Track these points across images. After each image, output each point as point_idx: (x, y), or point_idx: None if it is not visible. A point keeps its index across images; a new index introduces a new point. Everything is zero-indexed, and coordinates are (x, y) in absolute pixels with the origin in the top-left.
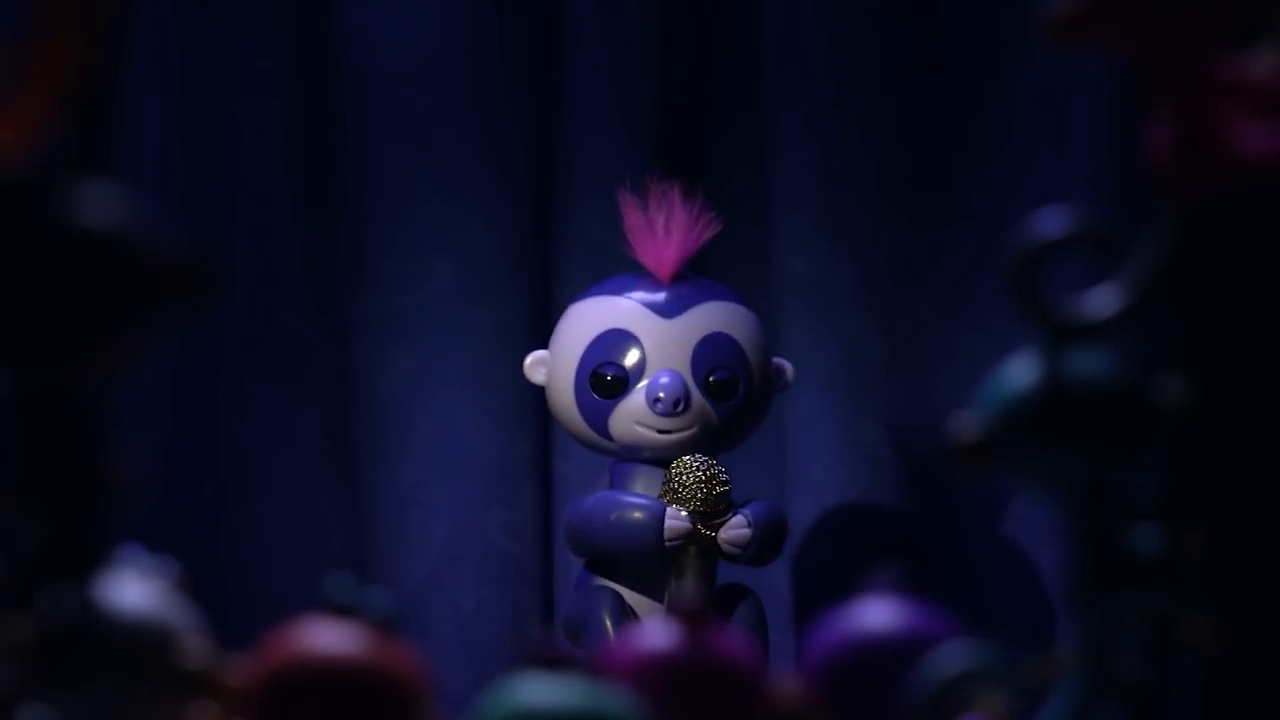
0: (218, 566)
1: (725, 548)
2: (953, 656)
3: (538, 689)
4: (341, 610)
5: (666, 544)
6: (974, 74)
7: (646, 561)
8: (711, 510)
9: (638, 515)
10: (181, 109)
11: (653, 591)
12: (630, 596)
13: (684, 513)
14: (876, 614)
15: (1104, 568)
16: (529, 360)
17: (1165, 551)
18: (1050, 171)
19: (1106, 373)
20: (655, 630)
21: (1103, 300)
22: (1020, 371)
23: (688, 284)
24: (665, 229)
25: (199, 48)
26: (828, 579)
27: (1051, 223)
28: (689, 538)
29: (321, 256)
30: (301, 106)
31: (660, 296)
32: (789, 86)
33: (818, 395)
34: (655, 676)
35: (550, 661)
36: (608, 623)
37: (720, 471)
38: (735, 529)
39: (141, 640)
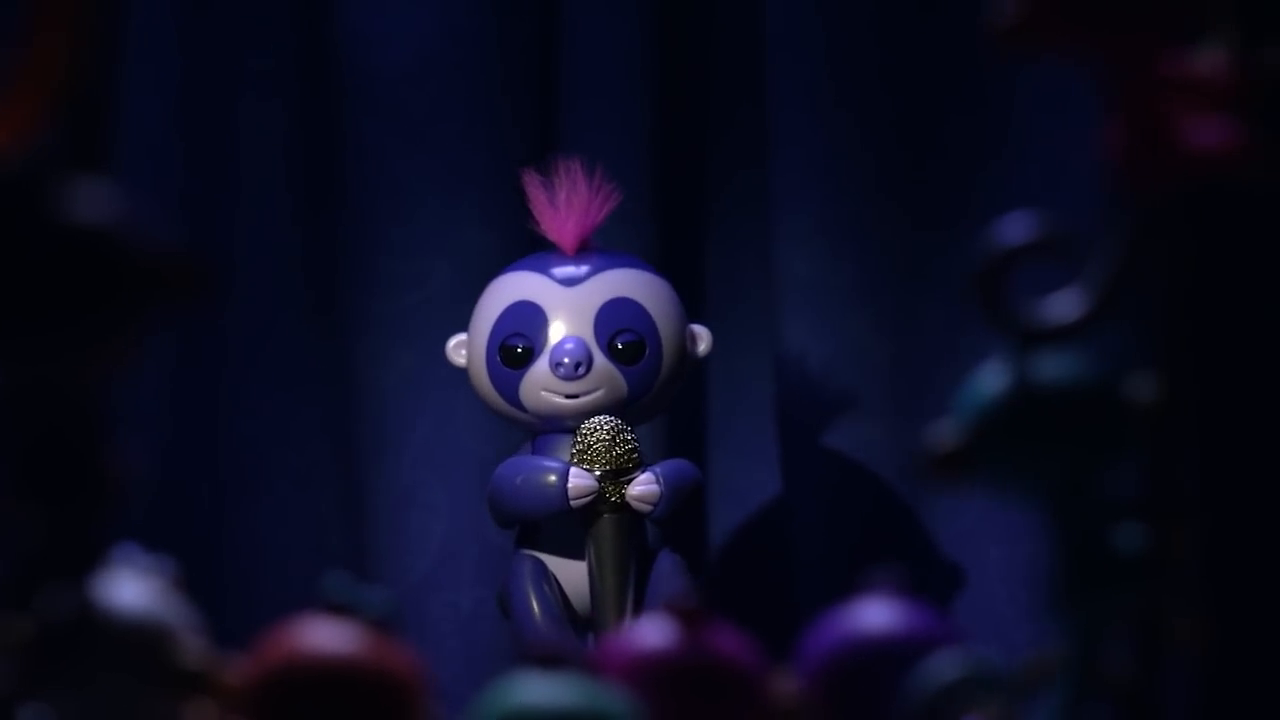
0: (218, 565)
1: (635, 505)
2: (946, 664)
3: (534, 687)
4: (339, 609)
5: (572, 503)
6: (974, 72)
7: (563, 526)
8: (619, 469)
9: (543, 476)
10: (181, 110)
11: (574, 557)
12: (553, 563)
13: (597, 472)
14: (874, 614)
15: (1087, 569)
16: (450, 344)
17: (1148, 550)
18: (1052, 169)
19: (1075, 375)
20: (652, 629)
21: (1068, 303)
22: (990, 379)
23: (594, 254)
24: (566, 203)
25: (198, 48)
26: (827, 579)
27: (1016, 229)
28: (599, 497)
29: (321, 257)
30: (301, 107)
31: (565, 267)
32: (789, 85)
33: (818, 393)
34: (652, 675)
35: (547, 660)
36: (529, 590)
37: (626, 430)
38: (643, 485)
39: (139, 639)
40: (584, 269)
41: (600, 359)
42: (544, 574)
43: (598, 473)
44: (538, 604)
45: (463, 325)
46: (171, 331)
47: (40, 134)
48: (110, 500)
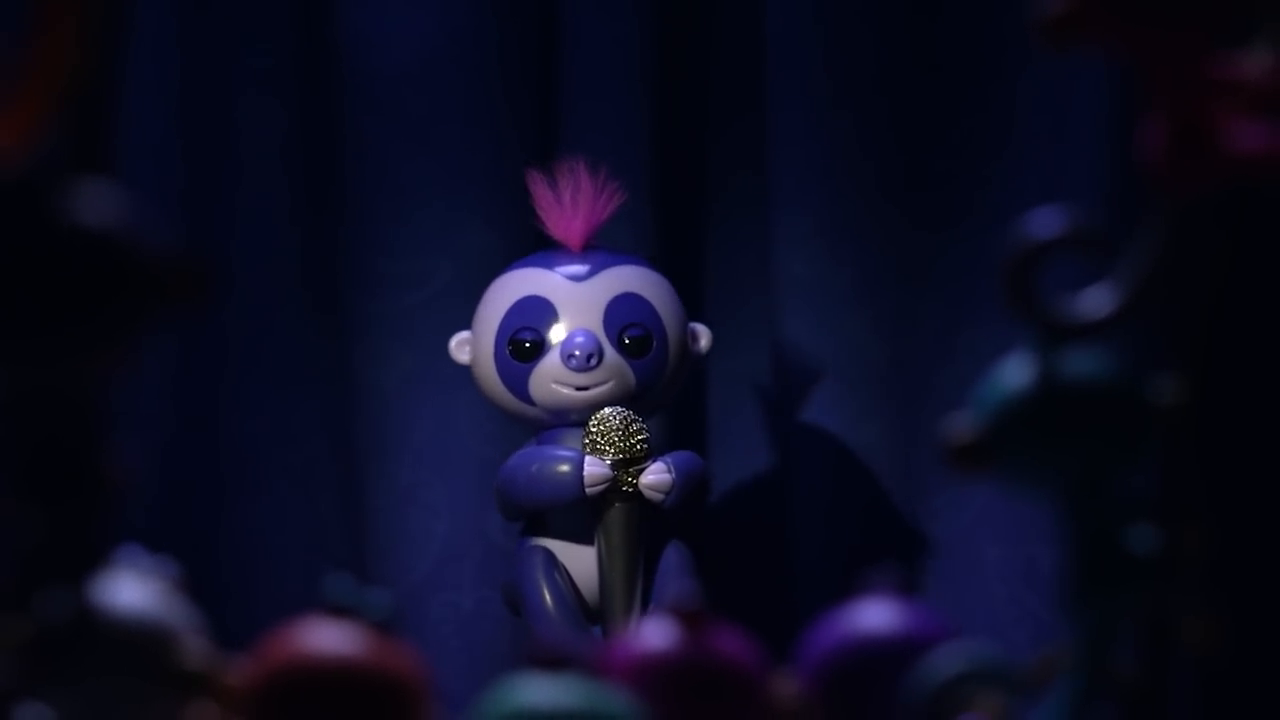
0: (218, 566)
1: (647, 493)
2: (950, 658)
3: (536, 689)
4: (341, 610)
5: (587, 491)
6: (973, 74)
7: (573, 515)
8: (630, 457)
9: (558, 466)
10: (181, 109)
11: (583, 545)
12: (562, 553)
13: (608, 460)
14: (874, 615)
15: (1100, 568)
16: (454, 341)
17: (1161, 551)
18: (1050, 171)
19: (1101, 373)
20: (654, 630)
21: (1097, 300)
22: (1015, 372)
23: (599, 251)
24: (572, 201)
25: (199, 48)
26: (827, 579)
27: (1046, 223)
28: (611, 486)
29: (321, 257)
30: (301, 107)
31: (572, 263)
32: (788, 87)
33: (818, 395)
34: (654, 676)
35: (549, 661)
36: (540, 580)
37: (637, 420)
38: (656, 474)
39: (140, 640)
40: (590, 265)
41: (610, 352)
42: (554, 563)
43: (609, 461)
44: (549, 594)
45: (464, 325)
46: (172, 331)
47: (44, 136)
48: (109, 501)
